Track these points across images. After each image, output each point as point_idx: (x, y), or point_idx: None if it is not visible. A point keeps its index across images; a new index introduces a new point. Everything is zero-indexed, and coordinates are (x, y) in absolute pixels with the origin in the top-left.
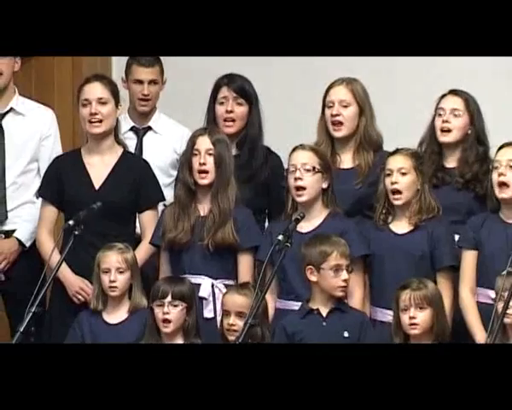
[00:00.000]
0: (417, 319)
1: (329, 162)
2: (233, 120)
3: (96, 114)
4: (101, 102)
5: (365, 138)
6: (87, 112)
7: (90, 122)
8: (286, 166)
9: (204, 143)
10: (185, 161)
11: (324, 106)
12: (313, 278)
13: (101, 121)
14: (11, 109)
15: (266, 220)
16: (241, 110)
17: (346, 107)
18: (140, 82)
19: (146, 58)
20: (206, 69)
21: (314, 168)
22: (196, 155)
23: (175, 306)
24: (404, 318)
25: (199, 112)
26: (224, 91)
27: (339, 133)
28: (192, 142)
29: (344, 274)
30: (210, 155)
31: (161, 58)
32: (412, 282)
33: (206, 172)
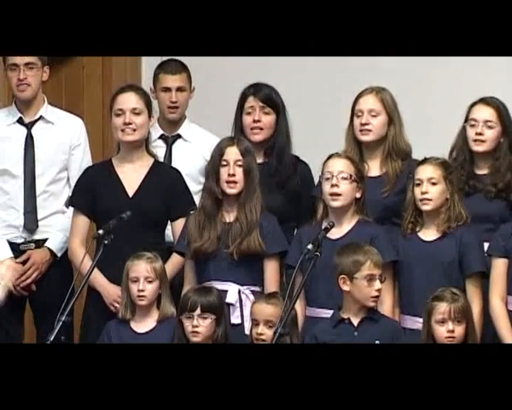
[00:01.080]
0: (455, 333)
1: (363, 172)
2: (260, 129)
3: (129, 123)
4: (136, 112)
5: (393, 147)
6: (121, 121)
7: (123, 131)
8: (315, 174)
9: (233, 153)
10: (212, 171)
11: (353, 114)
12: (346, 288)
13: (134, 130)
14: (41, 117)
15: (295, 229)
16: (268, 119)
17: (375, 116)
18: (168, 89)
19: (172, 66)
20: (234, 78)
21: (351, 177)
22: (225, 165)
23: (204, 318)
24: (441, 330)
25: (225, 121)
26: (251, 101)
27: (366, 137)
28: (220, 152)
29: (377, 284)
30: (239, 165)
31: (190, 67)
32: (445, 293)
33: (235, 182)
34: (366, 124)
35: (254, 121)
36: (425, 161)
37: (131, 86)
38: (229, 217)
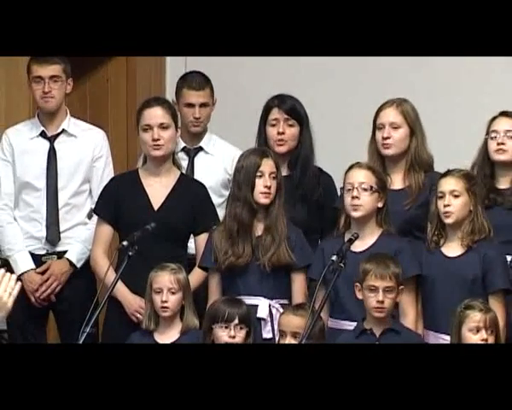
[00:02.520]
0: (488, 342)
1: (386, 181)
2: (284, 141)
3: (158, 139)
4: (163, 126)
5: (416, 159)
6: (149, 137)
7: (152, 146)
8: (339, 186)
9: (269, 165)
10: (247, 181)
11: (375, 128)
12: (359, 296)
13: (163, 145)
14: (63, 131)
15: (319, 241)
16: (292, 131)
17: (396, 129)
18: (191, 105)
19: (196, 80)
20: (257, 89)
21: (371, 188)
22: (261, 176)
23: (241, 329)
24: (474, 339)
25: (246, 132)
26: (275, 113)
27: (388, 151)
28: (256, 163)
29: (380, 295)
30: (273, 178)
31: (212, 79)
32: (477, 303)
33: (269, 193)
34: (388, 137)
35: (279, 133)
36: (447, 173)
37: (157, 100)
38: (257, 231)
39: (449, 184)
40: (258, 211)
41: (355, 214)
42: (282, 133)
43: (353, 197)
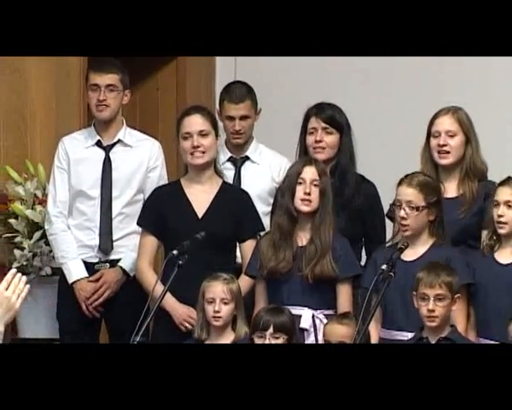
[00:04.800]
0: None
1: (439, 193)
2: (322, 148)
3: (198, 146)
4: (203, 134)
5: (471, 167)
6: (189, 145)
7: (192, 154)
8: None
9: (310, 172)
10: (288, 189)
11: (429, 135)
12: (415, 305)
13: (203, 153)
14: (119, 141)
15: (363, 248)
16: (330, 139)
17: (452, 136)
18: (231, 118)
19: (237, 92)
20: (303, 97)
21: (418, 208)
22: (301, 183)
23: (276, 338)
24: None
25: (289, 141)
26: (313, 122)
27: (445, 161)
28: (298, 170)
29: (430, 304)
30: (315, 185)
31: (256, 90)
32: None
33: (309, 200)
34: (444, 145)
35: (316, 141)
36: (504, 182)
37: (196, 108)
38: (302, 240)
39: (504, 194)
40: (301, 220)
41: (404, 234)
42: (320, 141)
43: (402, 217)
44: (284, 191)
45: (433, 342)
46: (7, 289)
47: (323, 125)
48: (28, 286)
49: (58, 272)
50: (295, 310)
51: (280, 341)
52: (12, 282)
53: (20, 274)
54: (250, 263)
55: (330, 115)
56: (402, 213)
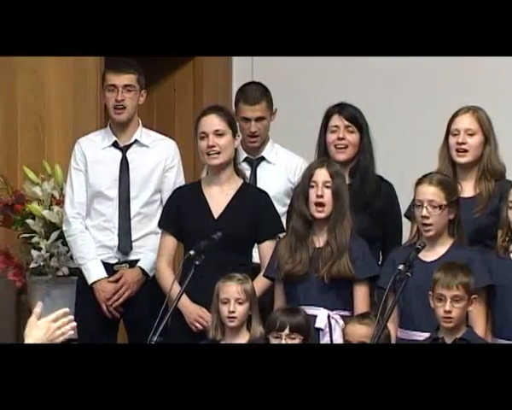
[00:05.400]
0: None
1: (457, 193)
2: (345, 147)
3: (213, 146)
4: (218, 134)
5: (488, 167)
6: (205, 145)
7: (208, 154)
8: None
9: (322, 175)
10: (302, 193)
11: (448, 133)
12: (432, 305)
13: (218, 153)
14: (135, 141)
15: (381, 249)
16: (352, 137)
17: (471, 135)
18: (247, 119)
19: (252, 94)
20: (319, 97)
21: (441, 206)
22: (313, 186)
23: (292, 338)
24: None
25: (307, 141)
26: (336, 120)
27: (463, 159)
28: (310, 173)
29: (446, 305)
30: (327, 187)
31: (273, 90)
32: None
33: (322, 204)
34: (463, 143)
35: (339, 139)
36: None
37: (213, 108)
38: (319, 242)
39: None
40: (317, 223)
41: (427, 235)
42: (343, 138)
43: (423, 217)
44: (298, 195)
45: (449, 343)
46: (55, 321)
47: (346, 123)
48: (72, 332)
49: (75, 272)
50: (311, 310)
51: (296, 341)
52: (61, 320)
53: (71, 316)
54: (269, 265)
55: (352, 114)
56: (424, 212)
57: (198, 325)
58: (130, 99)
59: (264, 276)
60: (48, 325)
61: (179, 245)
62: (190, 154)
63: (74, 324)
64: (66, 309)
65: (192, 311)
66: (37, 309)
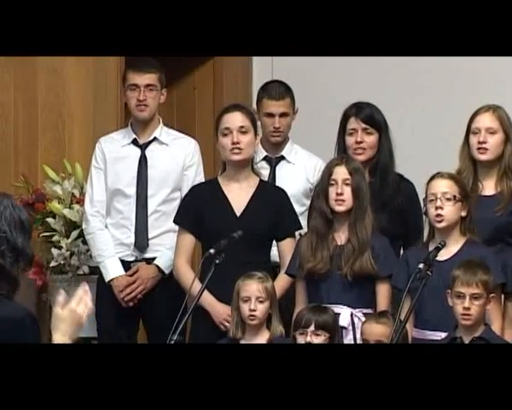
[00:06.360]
0: None
1: (468, 190)
2: (363, 149)
3: (237, 142)
4: (242, 130)
5: (509, 166)
6: (228, 141)
7: (231, 150)
8: (419, 192)
9: (341, 172)
10: (321, 191)
11: (469, 132)
12: (450, 303)
13: (242, 149)
14: (155, 139)
15: (402, 248)
16: (370, 139)
17: (492, 134)
18: (271, 115)
19: (276, 90)
20: (338, 98)
21: (454, 197)
22: (333, 184)
23: (317, 335)
24: None
25: (328, 140)
26: (353, 122)
27: (484, 156)
28: (329, 171)
29: (465, 302)
30: (347, 184)
31: (296, 87)
32: None
33: (342, 200)
34: (484, 142)
35: (357, 142)
36: None
37: (236, 106)
38: (341, 239)
39: None
40: (338, 219)
41: (439, 226)
42: (361, 142)
43: (437, 207)
44: (318, 193)
45: (467, 342)
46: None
47: (363, 125)
48: (90, 296)
49: (95, 270)
50: (334, 308)
51: (321, 338)
52: (82, 299)
53: (86, 287)
54: (290, 263)
55: (369, 115)
56: (438, 202)
57: (227, 324)
58: (151, 98)
59: (286, 273)
60: (69, 310)
61: (197, 243)
62: (210, 153)
63: (87, 287)
64: (85, 287)
65: (221, 311)
66: (60, 298)
